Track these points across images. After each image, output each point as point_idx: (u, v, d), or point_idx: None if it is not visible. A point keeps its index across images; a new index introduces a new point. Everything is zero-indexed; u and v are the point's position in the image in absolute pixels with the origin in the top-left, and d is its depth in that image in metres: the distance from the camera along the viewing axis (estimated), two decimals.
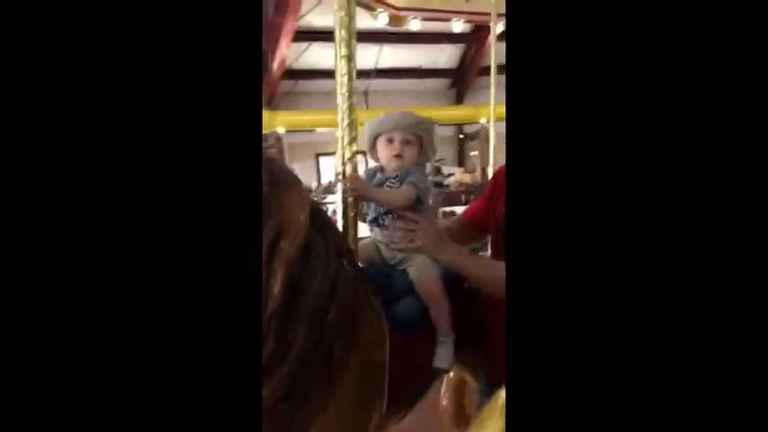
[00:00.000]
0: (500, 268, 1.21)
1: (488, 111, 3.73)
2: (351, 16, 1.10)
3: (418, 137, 1.44)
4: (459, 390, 2.12)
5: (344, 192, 1.29)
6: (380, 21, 5.00)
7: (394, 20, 4.97)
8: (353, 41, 1.13)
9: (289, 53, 7.07)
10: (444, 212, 4.69)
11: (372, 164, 1.53)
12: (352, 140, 1.25)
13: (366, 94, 7.56)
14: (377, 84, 7.88)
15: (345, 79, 1.16)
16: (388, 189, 1.41)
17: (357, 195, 1.32)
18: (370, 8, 4.92)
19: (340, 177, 1.30)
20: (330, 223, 1.12)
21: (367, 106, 7.56)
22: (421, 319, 1.35)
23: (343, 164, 1.27)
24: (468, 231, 1.60)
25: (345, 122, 1.21)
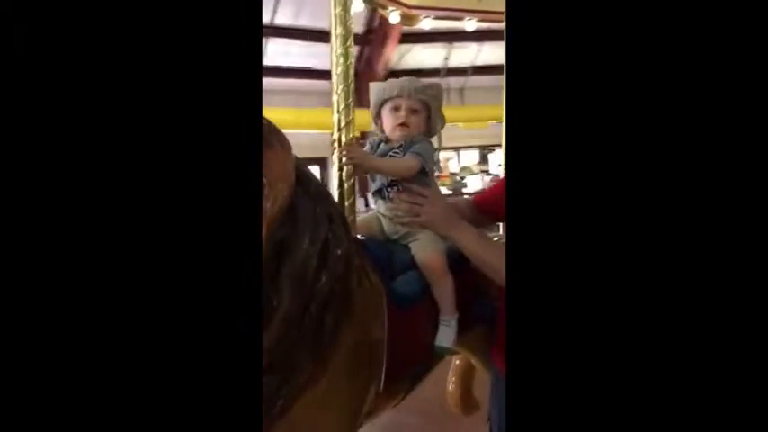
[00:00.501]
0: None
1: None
2: (347, 12, 1.08)
3: (425, 104, 1.35)
4: (466, 374, 2.07)
5: (341, 160, 1.23)
6: (392, 19, 4.98)
7: (406, 18, 4.94)
8: (351, 40, 1.11)
9: (392, 55, 7.44)
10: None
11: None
12: (348, 104, 1.21)
13: (461, 90, 7.61)
14: (473, 81, 7.99)
15: (341, 78, 1.14)
16: (391, 159, 1.34)
17: (355, 164, 1.26)
18: (382, 6, 4.90)
19: (336, 145, 1.23)
20: (323, 191, 1.09)
21: (462, 103, 7.73)
22: (422, 296, 1.29)
23: (339, 130, 1.21)
24: (478, 216, 1.52)
25: (342, 123, 1.18)
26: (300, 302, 0.93)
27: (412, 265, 1.29)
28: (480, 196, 1.60)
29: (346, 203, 1.24)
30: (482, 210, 1.52)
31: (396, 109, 1.32)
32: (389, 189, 1.33)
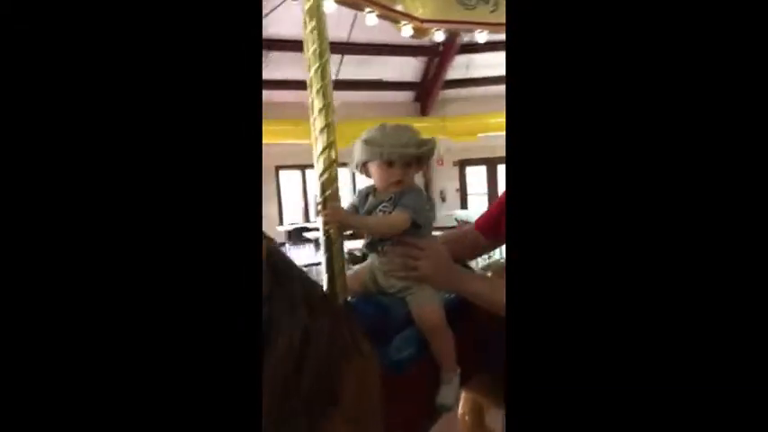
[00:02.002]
0: None
1: (452, 124, 3.61)
2: (322, 27, 1.09)
3: (419, 158, 1.27)
4: (477, 403, 2.02)
5: (325, 223, 1.17)
6: (405, 33, 5.02)
7: (418, 32, 4.98)
8: (327, 55, 1.12)
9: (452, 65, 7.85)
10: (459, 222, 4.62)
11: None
12: (333, 163, 1.19)
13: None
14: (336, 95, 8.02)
15: (321, 94, 1.14)
16: (380, 214, 1.26)
17: (338, 226, 1.18)
18: (395, 21, 4.94)
19: (320, 207, 1.17)
20: (291, 271, 1.03)
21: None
22: (421, 355, 1.22)
23: (323, 193, 1.15)
24: (482, 241, 1.50)
25: (322, 145, 1.16)
26: (282, 401, 0.90)
27: (408, 320, 1.23)
28: (481, 220, 1.55)
29: (336, 266, 1.18)
30: (487, 234, 1.48)
31: (390, 164, 1.24)
32: (382, 243, 1.28)
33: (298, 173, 9.42)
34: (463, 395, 2.03)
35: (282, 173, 9.27)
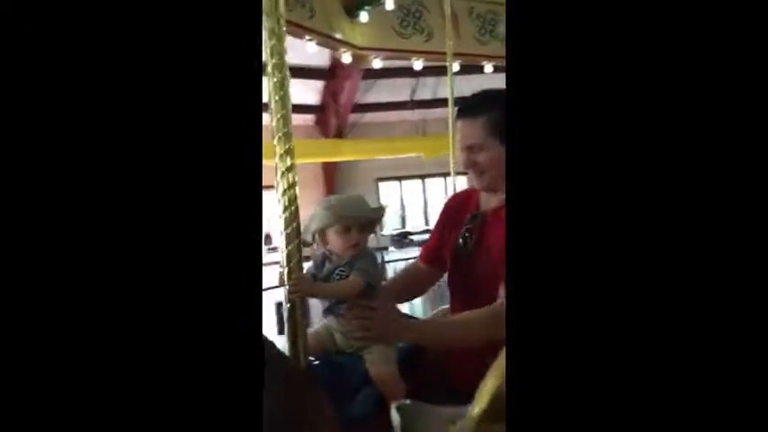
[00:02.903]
0: (470, 320, 1.24)
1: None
2: (281, 43, 1.18)
3: (372, 223, 1.40)
4: None
5: (290, 293, 1.24)
6: (344, 60, 5.18)
7: (357, 59, 5.16)
8: (287, 82, 1.22)
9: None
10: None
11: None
12: (292, 186, 1.26)
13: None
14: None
15: (282, 121, 1.22)
16: (337, 278, 1.36)
17: (302, 296, 1.26)
18: (334, 48, 5.11)
19: (285, 278, 1.22)
20: (271, 350, 1.08)
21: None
22: (380, 411, 1.29)
23: (288, 264, 1.20)
24: (428, 272, 1.56)
25: (281, 151, 1.23)
26: None
27: (366, 378, 1.32)
28: (422, 253, 1.63)
29: (299, 331, 1.23)
30: (429, 265, 1.56)
31: (347, 230, 1.36)
32: (339, 305, 1.37)
33: (396, 184, 10.11)
34: None
35: (382, 185, 9.82)
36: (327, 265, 1.41)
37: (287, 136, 1.25)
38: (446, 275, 1.53)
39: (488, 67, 5.66)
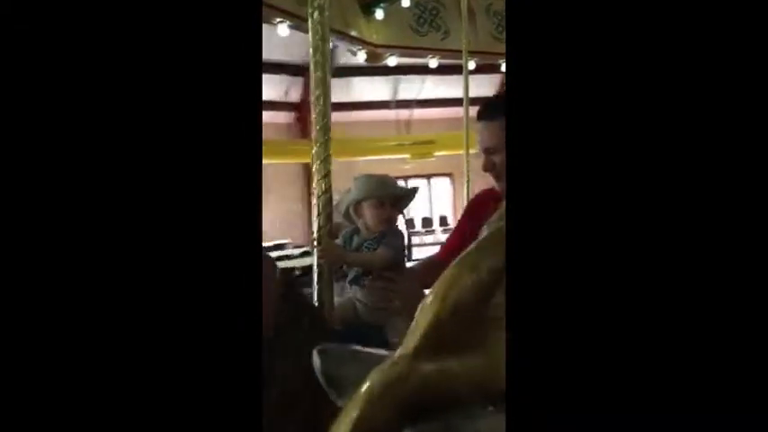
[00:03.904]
0: None
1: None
2: (326, 57, 1.22)
3: (404, 200, 1.52)
4: None
5: (320, 257, 1.30)
6: (359, 58, 5.18)
7: (372, 57, 5.16)
8: (328, 78, 1.24)
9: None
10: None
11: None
12: (327, 174, 1.31)
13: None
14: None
15: (320, 116, 1.26)
16: (365, 251, 1.45)
17: (332, 261, 1.32)
18: (349, 45, 5.11)
19: (315, 243, 1.29)
20: (304, 304, 1.11)
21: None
22: None
23: (319, 230, 1.27)
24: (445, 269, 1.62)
25: (320, 159, 1.28)
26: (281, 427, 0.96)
27: (388, 348, 1.37)
28: (441, 252, 1.68)
29: (327, 294, 1.30)
30: (446, 264, 1.62)
31: (381, 204, 1.45)
32: (364, 277, 1.45)
33: (447, 180, 10.17)
34: None
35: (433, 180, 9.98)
36: (356, 239, 1.49)
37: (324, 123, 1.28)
38: None
39: (505, 66, 5.64)
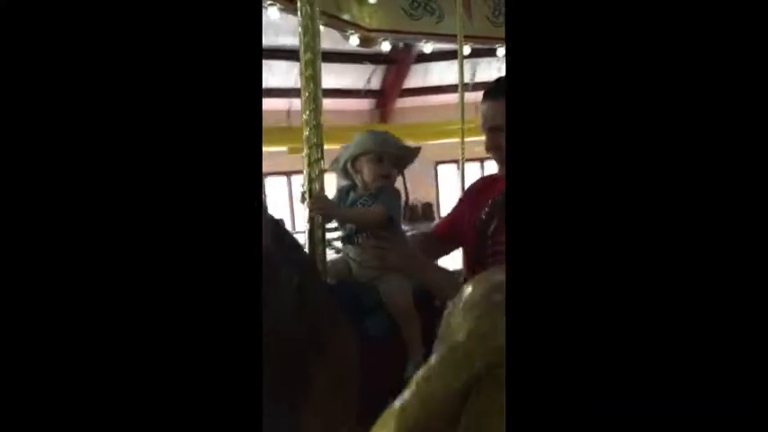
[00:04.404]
0: None
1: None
2: (315, 37, 1.18)
3: (402, 161, 1.46)
4: None
5: (311, 211, 1.29)
6: (352, 42, 5.10)
7: (365, 41, 5.09)
8: (318, 61, 1.21)
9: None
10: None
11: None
12: (318, 160, 1.29)
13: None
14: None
15: (311, 99, 1.22)
16: (359, 207, 1.41)
17: (324, 215, 1.32)
18: (342, 30, 5.03)
19: (306, 196, 1.30)
20: (293, 241, 1.14)
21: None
22: (391, 336, 1.34)
23: (310, 182, 1.27)
24: (438, 246, 1.59)
25: (311, 142, 1.25)
26: (276, 350, 0.96)
27: (380, 305, 1.35)
28: (438, 227, 1.67)
29: (318, 250, 1.31)
30: (442, 239, 1.59)
31: (380, 160, 1.40)
32: (357, 235, 1.41)
33: (453, 166, 9.90)
34: None
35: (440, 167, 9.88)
36: (352, 195, 1.44)
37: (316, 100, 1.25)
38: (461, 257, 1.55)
39: (501, 51, 5.58)
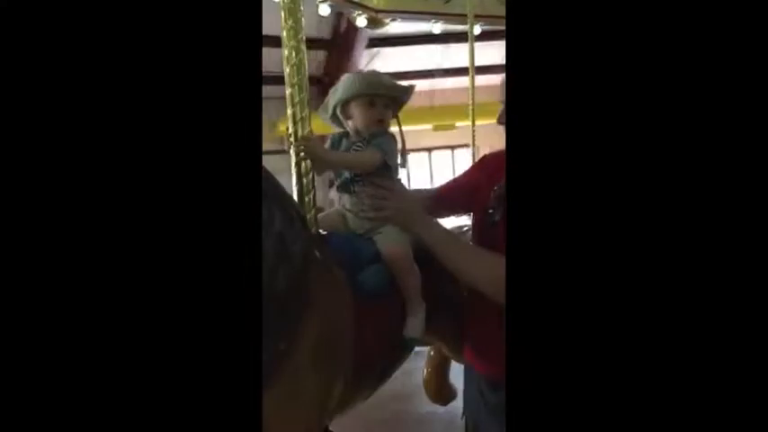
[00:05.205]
0: (478, 255, 1.17)
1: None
2: (298, 23, 1.12)
3: (396, 101, 1.34)
4: (441, 364, 2.05)
5: (297, 155, 1.20)
6: (359, 23, 5.01)
7: (372, 22, 4.99)
8: (302, 34, 1.14)
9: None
10: None
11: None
12: (304, 101, 1.18)
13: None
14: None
15: (296, 71, 1.16)
16: (352, 152, 1.31)
17: (312, 158, 1.22)
18: (348, 10, 4.93)
19: (291, 139, 1.20)
20: (277, 189, 1.08)
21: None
22: (388, 289, 1.28)
23: (294, 123, 1.17)
24: (439, 207, 1.50)
25: (298, 116, 1.19)
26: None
27: (377, 258, 1.29)
28: (445, 187, 1.58)
29: (306, 198, 1.22)
30: (444, 201, 1.51)
31: (372, 104, 1.29)
32: (354, 184, 1.33)
33: (448, 153, 9.80)
34: (428, 352, 2.11)
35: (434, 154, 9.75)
36: (344, 143, 1.34)
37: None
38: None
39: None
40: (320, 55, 7.39)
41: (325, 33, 6.85)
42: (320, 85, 8.45)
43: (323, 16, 4.73)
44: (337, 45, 7.11)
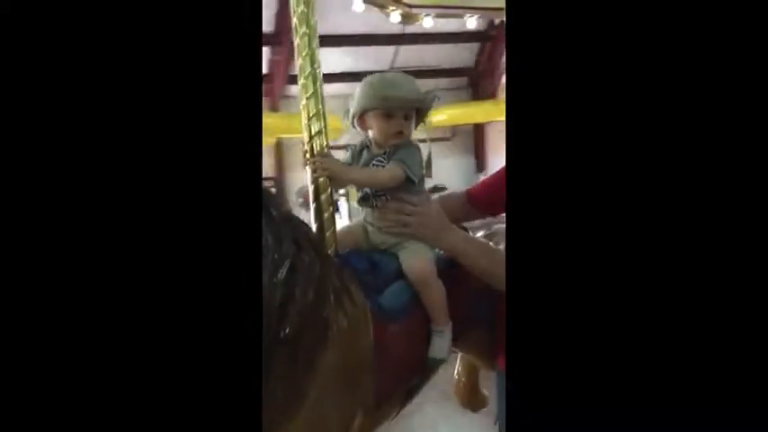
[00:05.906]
0: None
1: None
2: (310, 10, 1.06)
3: (418, 110, 1.25)
4: (472, 370, 1.97)
5: (313, 172, 1.15)
6: (393, 19, 4.97)
7: (406, 17, 4.93)
8: (316, 40, 1.10)
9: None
10: None
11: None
12: (319, 133, 1.18)
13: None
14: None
15: (310, 81, 1.12)
16: (373, 167, 1.24)
17: (329, 175, 1.17)
18: (383, 6, 4.89)
19: (308, 156, 1.15)
20: (286, 214, 1.02)
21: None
22: (412, 307, 1.21)
23: (310, 139, 1.12)
24: (467, 208, 1.45)
25: (314, 131, 1.15)
26: (267, 336, 0.88)
27: (399, 275, 1.22)
28: (474, 189, 1.52)
29: (325, 215, 1.17)
30: (475, 203, 1.46)
31: (389, 116, 1.20)
32: (376, 198, 1.26)
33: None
34: (459, 358, 2.05)
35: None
36: (365, 155, 1.25)
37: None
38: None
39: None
40: (474, 47, 7.86)
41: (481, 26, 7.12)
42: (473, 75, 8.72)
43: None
44: (490, 37, 7.46)
